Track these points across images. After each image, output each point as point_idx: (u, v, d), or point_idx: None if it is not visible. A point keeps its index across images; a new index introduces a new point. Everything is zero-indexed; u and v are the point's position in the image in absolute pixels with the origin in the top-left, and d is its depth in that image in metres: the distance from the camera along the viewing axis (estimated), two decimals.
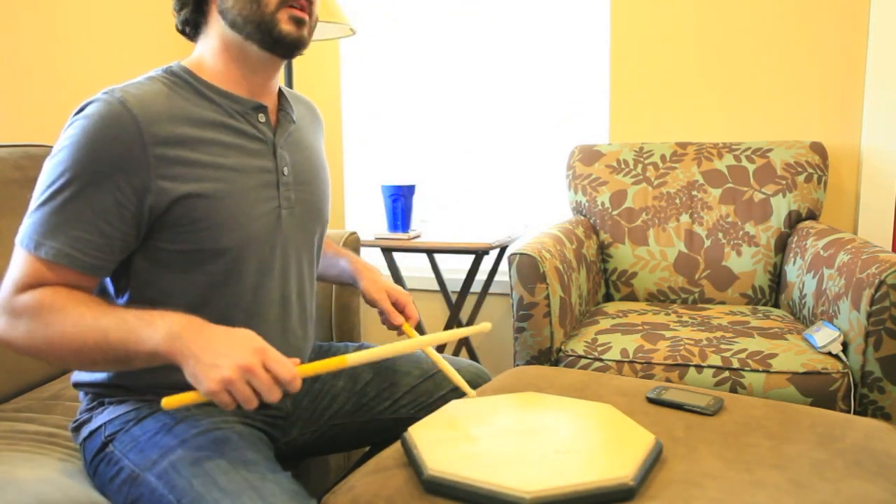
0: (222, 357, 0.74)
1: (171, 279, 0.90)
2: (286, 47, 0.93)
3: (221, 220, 0.89)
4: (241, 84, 0.95)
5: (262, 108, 0.96)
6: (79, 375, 0.97)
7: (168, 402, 0.76)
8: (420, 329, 2.12)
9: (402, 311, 1.12)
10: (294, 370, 0.77)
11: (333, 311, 1.49)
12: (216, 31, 0.94)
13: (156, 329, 0.77)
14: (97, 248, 0.83)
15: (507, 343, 2.36)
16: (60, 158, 0.83)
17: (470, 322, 2.22)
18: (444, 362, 1.03)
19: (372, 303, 1.12)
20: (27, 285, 0.82)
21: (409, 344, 0.91)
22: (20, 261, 0.83)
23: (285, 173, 0.98)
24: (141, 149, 0.83)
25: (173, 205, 0.86)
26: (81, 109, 0.85)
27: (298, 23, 0.92)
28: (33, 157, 1.34)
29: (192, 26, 0.96)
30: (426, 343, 0.92)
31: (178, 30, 0.98)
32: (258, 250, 0.94)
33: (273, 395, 0.75)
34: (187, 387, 0.94)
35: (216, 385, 0.73)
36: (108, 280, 0.92)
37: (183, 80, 0.92)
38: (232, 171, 0.91)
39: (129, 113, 0.83)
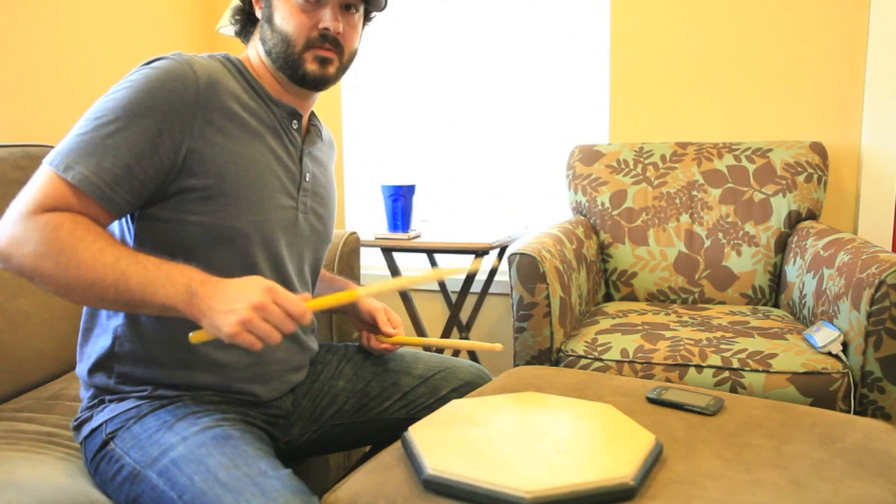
0: (236, 302, 0.77)
1: (187, 253, 0.91)
2: (310, 84, 0.98)
3: (246, 199, 0.92)
4: (281, 92, 1.00)
5: (297, 116, 1.02)
6: (83, 371, 0.97)
7: (195, 335, 0.80)
8: (420, 331, 2.12)
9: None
10: (303, 304, 0.81)
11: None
12: (257, 50, 1.00)
13: (174, 284, 0.80)
14: (121, 184, 0.85)
15: (507, 343, 2.36)
16: (116, 97, 0.86)
17: (470, 323, 2.22)
18: (456, 342, 1.06)
19: (368, 313, 1.15)
20: (47, 206, 0.82)
21: (423, 277, 0.93)
22: (45, 179, 0.83)
23: (307, 179, 1.03)
24: (194, 108, 0.88)
25: (205, 170, 0.89)
26: (149, 63, 0.89)
27: (323, 62, 0.98)
28: (33, 157, 1.34)
29: (244, 35, 1.04)
30: (436, 275, 0.93)
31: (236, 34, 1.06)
32: (273, 240, 0.97)
33: (287, 327, 0.79)
34: (190, 386, 0.95)
35: (235, 327, 0.76)
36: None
37: (238, 70, 0.98)
38: (265, 158, 0.95)
39: (195, 75, 0.89)
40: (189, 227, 0.90)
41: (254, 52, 1.01)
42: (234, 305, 0.77)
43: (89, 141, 0.84)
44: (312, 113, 1.09)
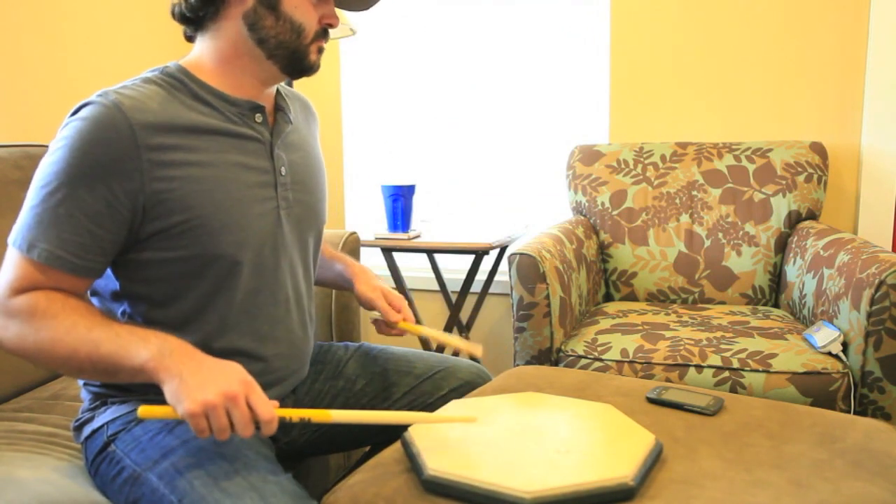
0: (209, 383, 0.74)
1: (173, 286, 0.90)
2: (307, 74, 0.97)
3: (220, 222, 0.89)
4: (241, 87, 0.95)
5: (259, 109, 0.96)
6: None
7: (144, 410, 0.77)
8: None
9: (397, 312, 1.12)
10: (273, 412, 0.77)
11: (333, 311, 1.49)
12: (230, 36, 0.92)
13: (148, 345, 0.78)
14: (88, 250, 0.83)
15: (507, 343, 2.36)
16: (55, 160, 0.83)
17: (470, 323, 2.22)
18: (443, 335, 1.03)
19: (367, 303, 1.12)
20: (21, 288, 0.82)
21: (398, 416, 0.90)
22: (13, 262, 0.83)
23: (283, 173, 0.98)
24: (135, 153, 0.83)
25: (170, 209, 0.86)
26: (77, 111, 0.85)
27: (320, 53, 0.97)
28: (33, 157, 1.34)
29: (198, 23, 0.94)
30: (407, 419, 0.89)
31: (175, 15, 0.94)
32: (258, 251, 0.94)
33: (247, 431, 0.75)
34: None
35: (197, 406, 0.73)
36: (108, 288, 0.92)
37: (179, 82, 0.91)
38: (229, 173, 0.91)
39: (124, 116, 0.83)
40: (171, 262, 0.88)
41: (210, 47, 0.93)
42: (205, 385, 0.74)
43: (42, 213, 0.81)
44: (279, 95, 1.02)
